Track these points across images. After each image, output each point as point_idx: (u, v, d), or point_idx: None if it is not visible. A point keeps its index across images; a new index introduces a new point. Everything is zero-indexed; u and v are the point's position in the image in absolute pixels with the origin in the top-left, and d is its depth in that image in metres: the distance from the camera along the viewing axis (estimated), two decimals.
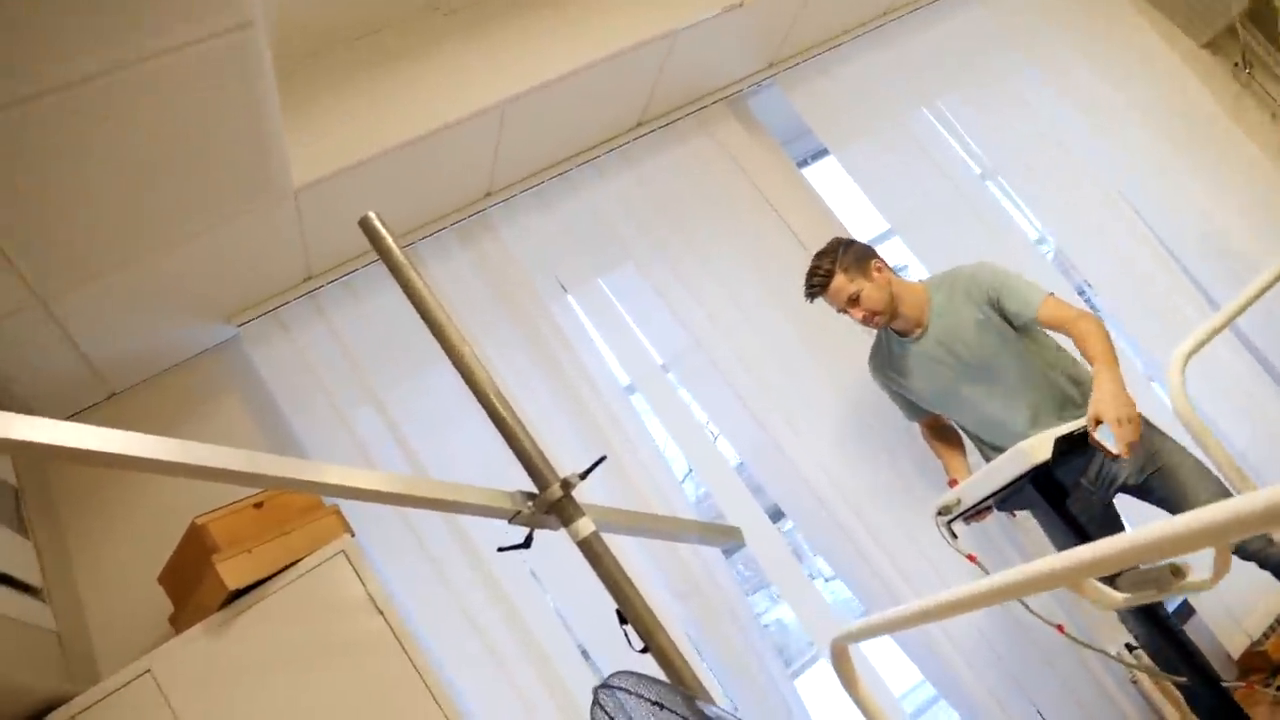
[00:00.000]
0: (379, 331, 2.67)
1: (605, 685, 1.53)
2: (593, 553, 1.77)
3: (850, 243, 2.48)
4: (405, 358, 2.65)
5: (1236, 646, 3.00)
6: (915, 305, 2.43)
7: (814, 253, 2.48)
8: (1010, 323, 2.34)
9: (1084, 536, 2.09)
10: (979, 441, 2.56)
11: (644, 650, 1.74)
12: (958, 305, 2.38)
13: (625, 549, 2.55)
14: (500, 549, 1.86)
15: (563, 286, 3.01)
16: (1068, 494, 2.09)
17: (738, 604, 2.66)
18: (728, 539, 2.24)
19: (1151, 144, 3.54)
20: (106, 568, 2.38)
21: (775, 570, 2.77)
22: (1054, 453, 1.92)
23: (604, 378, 2.88)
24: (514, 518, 1.80)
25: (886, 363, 2.58)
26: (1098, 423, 2.00)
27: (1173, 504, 2.23)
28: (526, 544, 1.84)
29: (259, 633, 2.06)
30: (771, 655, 2.67)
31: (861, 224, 3.41)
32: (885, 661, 2.71)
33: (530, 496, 1.82)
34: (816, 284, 2.42)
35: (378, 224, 1.90)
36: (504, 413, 1.84)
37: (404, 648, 2.09)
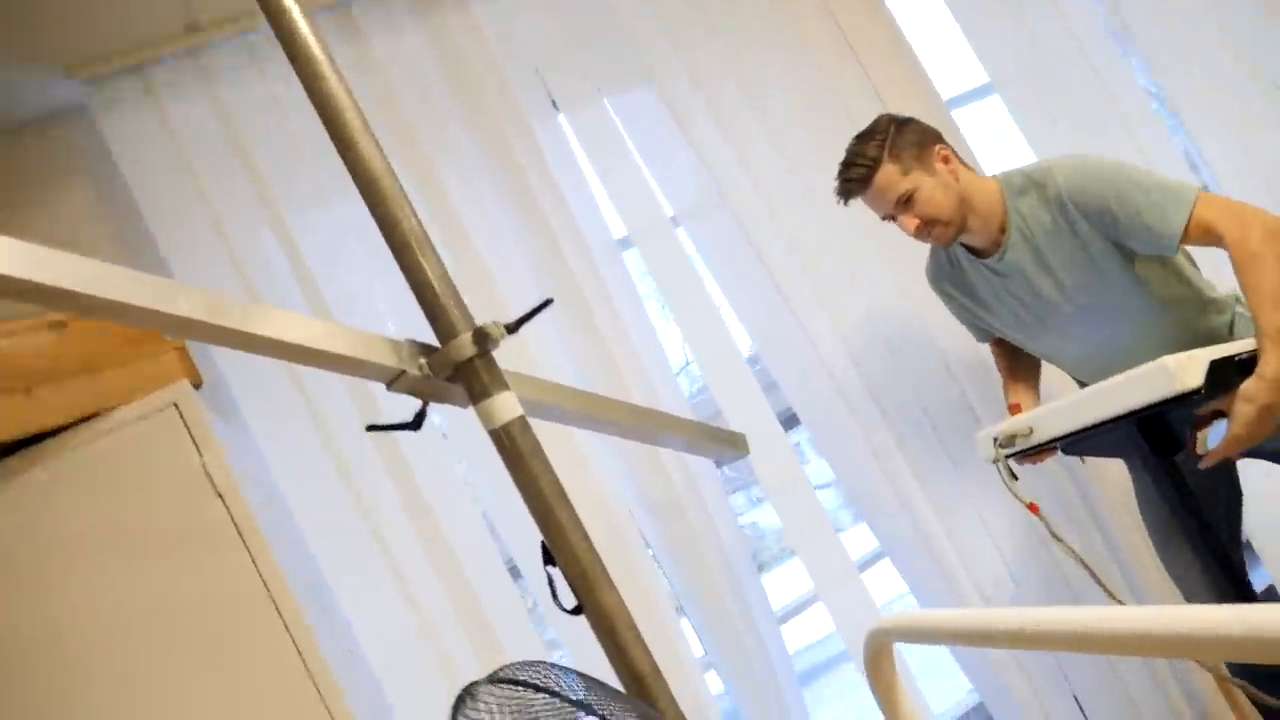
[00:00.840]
0: (293, 127, 1.95)
1: (496, 679, 0.89)
2: (513, 449, 1.11)
3: (905, 121, 1.72)
4: (327, 171, 1.93)
5: None
6: (990, 214, 1.69)
7: (858, 133, 1.75)
8: (1131, 247, 1.62)
9: (1193, 508, 1.49)
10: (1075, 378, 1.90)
11: (576, 611, 1.10)
12: (1048, 224, 1.65)
13: (583, 446, 1.90)
14: (371, 428, 1.20)
15: (554, 102, 2.26)
16: (1181, 445, 1.48)
17: (722, 524, 2.02)
18: (727, 449, 1.59)
19: None
20: None
21: (780, 492, 2.13)
22: (1207, 380, 1.34)
23: (593, 225, 2.17)
24: (394, 381, 1.13)
25: (947, 276, 1.87)
26: (1216, 415, 1.47)
27: None
28: (415, 424, 1.17)
29: (33, 507, 1.43)
30: (760, 604, 2.05)
31: (953, 74, 2.64)
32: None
33: (427, 351, 1.15)
34: (855, 178, 1.69)
35: None
36: (396, 213, 1.15)
37: (247, 545, 1.46)
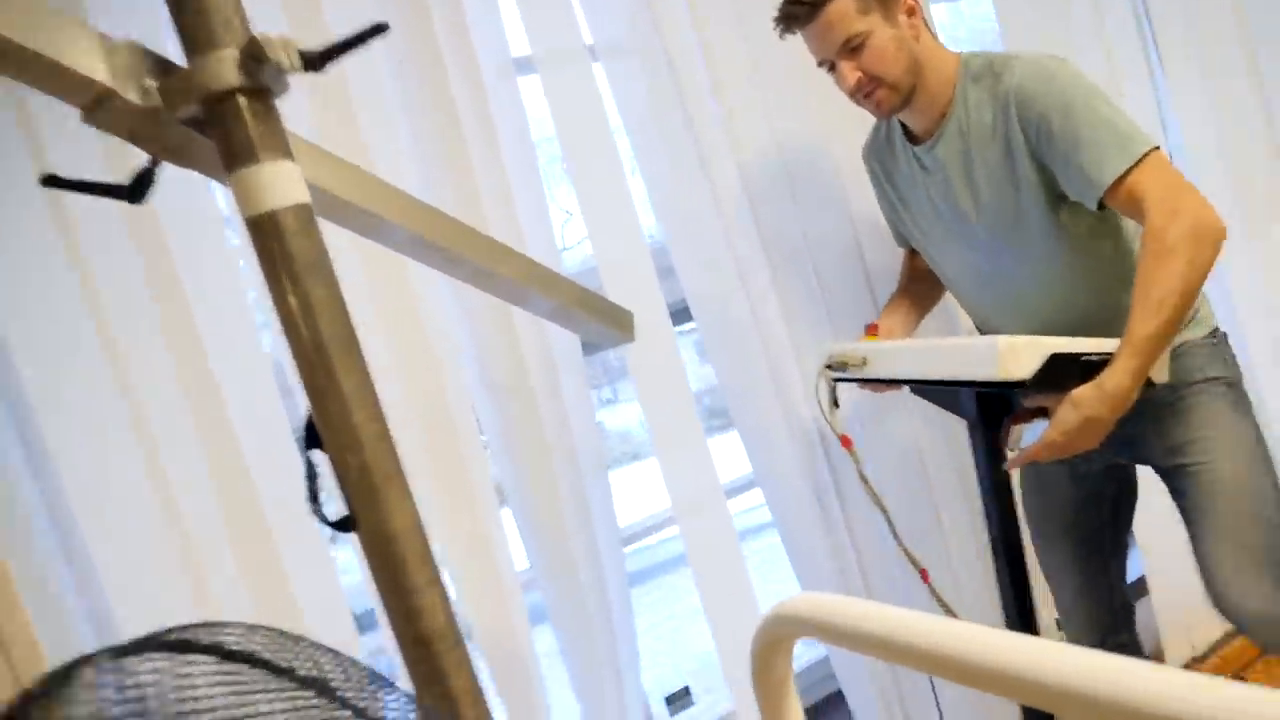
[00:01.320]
0: None
1: (151, 644, 0.49)
2: (280, 252, 0.68)
3: None
4: None
5: (1177, 656, 2.41)
6: (939, 93, 1.44)
7: None
8: (1058, 181, 1.38)
9: (1001, 498, 1.37)
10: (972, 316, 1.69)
11: (344, 525, 0.71)
12: (987, 123, 1.40)
13: (414, 282, 1.48)
14: (50, 181, 0.74)
15: None
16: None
17: (577, 419, 1.66)
18: (610, 328, 1.20)
19: None
20: None
21: (654, 395, 1.78)
22: (1037, 375, 1.20)
23: (489, 41, 1.68)
24: (96, 107, 0.67)
25: (878, 153, 1.64)
26: (1037, 412, 1.34)
27: (1196, 518, 1.46)
28: (132, 193, 0.72)
29: None
30: (605, 515, 1.71)
31: None
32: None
33: (162, 70, 0.69)
34: (805, 0, 1.40)
35: None
36: None
37: None
